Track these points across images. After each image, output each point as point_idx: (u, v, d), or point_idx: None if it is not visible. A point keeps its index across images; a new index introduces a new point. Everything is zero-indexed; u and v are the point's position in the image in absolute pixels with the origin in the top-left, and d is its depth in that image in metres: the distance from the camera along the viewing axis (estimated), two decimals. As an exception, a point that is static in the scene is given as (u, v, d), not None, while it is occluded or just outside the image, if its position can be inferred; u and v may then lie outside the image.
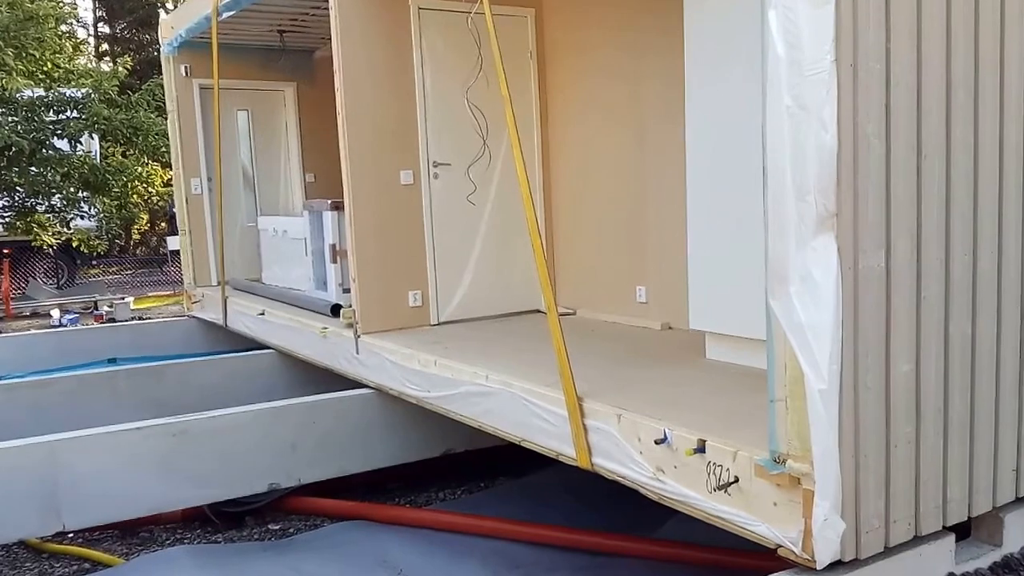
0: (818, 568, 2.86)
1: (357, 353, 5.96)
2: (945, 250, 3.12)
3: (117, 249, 23.34)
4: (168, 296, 15.84)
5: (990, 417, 3.34)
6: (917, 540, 3.15)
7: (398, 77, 6.09)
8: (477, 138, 6.10)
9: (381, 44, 6.00)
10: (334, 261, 6.93)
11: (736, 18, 4.14)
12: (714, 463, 3.22)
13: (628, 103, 5.91)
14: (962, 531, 3.39)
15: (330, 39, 5.92)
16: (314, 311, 6.99)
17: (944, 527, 3.24)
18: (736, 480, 3.12)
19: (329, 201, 6.98)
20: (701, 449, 3.27)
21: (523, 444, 4.35)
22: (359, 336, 5.93)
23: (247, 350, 7.84)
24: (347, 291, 6.44)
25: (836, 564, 2.90)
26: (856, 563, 2.96)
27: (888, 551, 3.06)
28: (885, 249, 2.95)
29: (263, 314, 7.59)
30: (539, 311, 6.36)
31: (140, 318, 12.96)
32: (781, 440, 2.94)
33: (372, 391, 5.71)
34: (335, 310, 6.59)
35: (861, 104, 2.79)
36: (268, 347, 7.61)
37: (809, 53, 2.66)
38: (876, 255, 2.93)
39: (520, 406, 4.28)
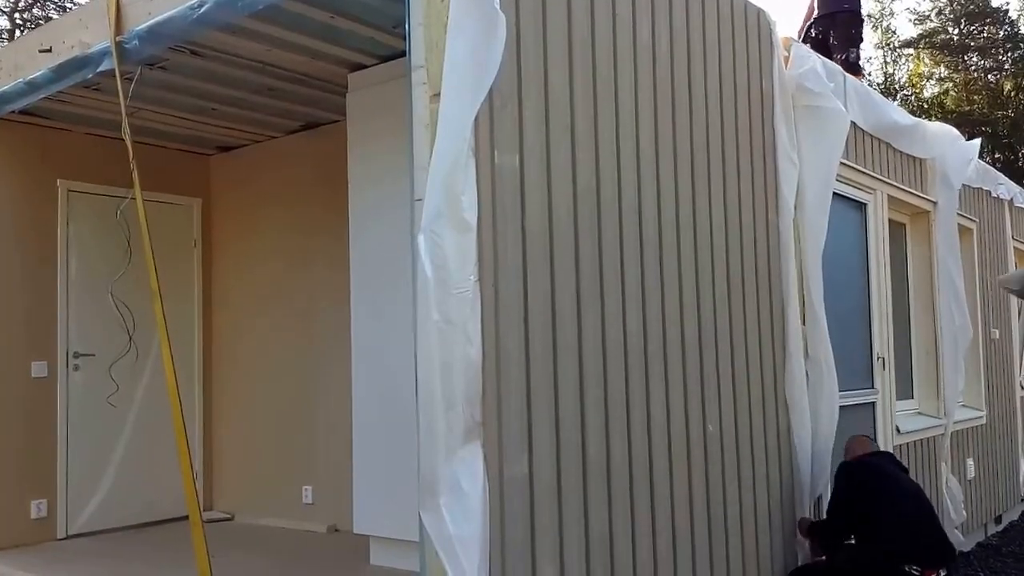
0: None
1: (-43, 580, 4.96)
2: (582, 453, 3.31)
3: None
4: None
5: (631, 615, 3.50)
6: None
7: (38, 261, 5.57)
8: (124, 331, 5.64)
9: (19, 225, 5.51)
10: (-60, 465, 5.86)
11: (395, 230, 4.33)
12: None
13: (299, 296, 5.87)
14: None
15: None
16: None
17: None
18: None
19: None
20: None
21: None
22: (-39, 558, 4.97)
23: None
24: (-47, 502, 5.42)
25: None
26: None
27: None
28: (528, 455, 3.07)
29: None
30: (193, 516, 5.79)
31: None
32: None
33: (-28, 627, 4.74)
34: (-66, 526, 5.49)
35: (502, 320, 2.97)
36: None
37: (455, 274, 2.80)
38: (520, 462, 3.03)
39: (156, 637, 3.76)
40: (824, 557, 4.47)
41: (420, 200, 2.89)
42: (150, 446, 5.83)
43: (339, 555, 4.86)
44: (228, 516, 5.97)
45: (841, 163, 5.04)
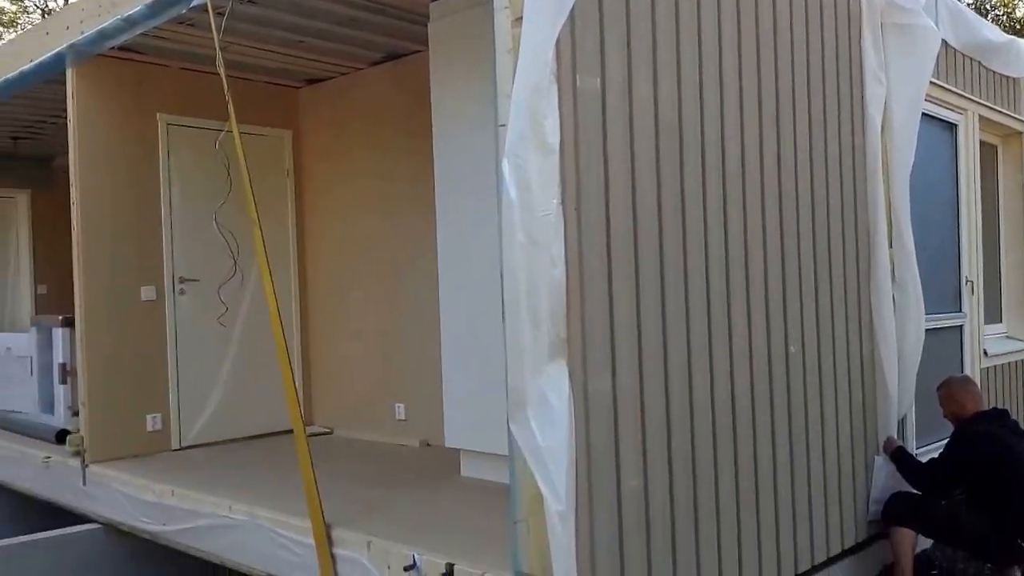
0: None
1: (84, 484, 5.43)
2: (664, 372, 3.41)
3: None
4: None
5: (712, 527, 3.61)
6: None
7: (143, 191, 5.87)
8: (229, 256, 5.95)
9: (124, 157, 5.79)
10: (63, 381, 6.36)
11: (478, 156, 4.41)
12: (461, 587, 3.23)
13: (387, 222, 6.07)
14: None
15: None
16: (37, 437, 6.31)
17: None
18: (483, 603, 3.15)
19: (61, 316, 6.45)
20: (449, 573, 3.27)
21: (268, 579, 4.13)
22: (87, 465, 5.43)
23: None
24: (77, 414, 5.91)
25: None
26: None
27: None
28: (611, 372, 3.18)
29: (-25, 442, 6.76)
30: (294, 431, 6.17)
31: None
32: (524, 560, 3.01)
33: (100, 527, 5.21)
34: (61, 436, 5.99)
35: (585, 242, 3.06)
36: (-21, 480, 6.76)
37: (538, 196, 2.89)
38: (604, 378, 3.15)
39: (266, 538, 4.08)
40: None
41: (504, 125, 2.96)
42: (253, 365, 6.19)
43: (432, 466, 5.13)
44: (327, 430, 6.32)
45: (931, 83, 4.88)
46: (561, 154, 2.92)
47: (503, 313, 3.02)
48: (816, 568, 4.20)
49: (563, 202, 2.94)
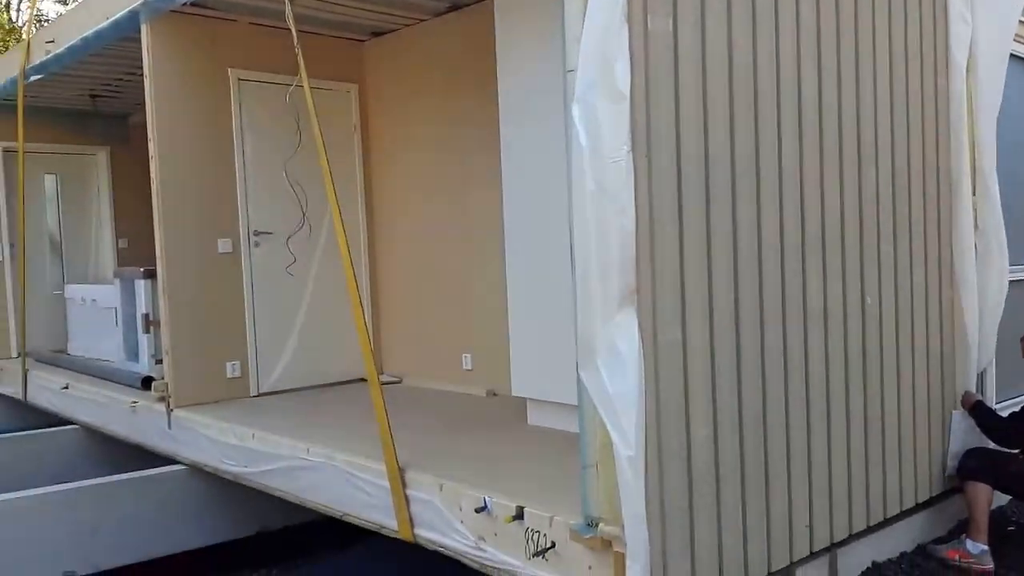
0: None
1: (169, 428, 5.67)
2: (735, 325, 3.38)
3: None
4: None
5: (783, 477, 3.60)
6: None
7: (217, 145, 5.99)
8: (298, 208, 6.07)
9: (198, 112, 5.90)
10: (147, 331, 6.61)
11: (545, 105, 4.37)
12: (532, 529, 3.29)
13: (452, 174, 6.08)
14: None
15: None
16: (124, 384, 6.60)
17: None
18: (553, 545, 3.21)
19: (142, 269, 6.68)
20: (519, 516, 3.34)
21: (345, 519, 4.27)
22: (171, 410, 5.66)
23: (49, 427, 7.28)
24: (160, 362, 6.15)
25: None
26: (664, 623, 3.08)
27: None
28: (681, 323, 3.16)
29: (67, 388, 7.10)
30: (366, 379, 6.30)
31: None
32: (593, 504, 3.05)
33: (184, 468, 5.45)
34: (146, 383, 6.25)
35: (655, 190, 3.02)
36: (73, 423, 7.11)
37: (608, 143, 2.85)
38: (674, 329, 3.13)
39: (342, 479, 4.21)
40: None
41: (572, 71, 2.93)
42: (325, 316, 6.34)
43: (500, 415, 5.19)
44: (396, 379, 6.45)
45: (1021, 22, 4.65)
46: (631, 99, 2.88)
47: (572, 261, 3.02)
48: (889, 520, 4.17)
49: (633, 149, 2.90)
